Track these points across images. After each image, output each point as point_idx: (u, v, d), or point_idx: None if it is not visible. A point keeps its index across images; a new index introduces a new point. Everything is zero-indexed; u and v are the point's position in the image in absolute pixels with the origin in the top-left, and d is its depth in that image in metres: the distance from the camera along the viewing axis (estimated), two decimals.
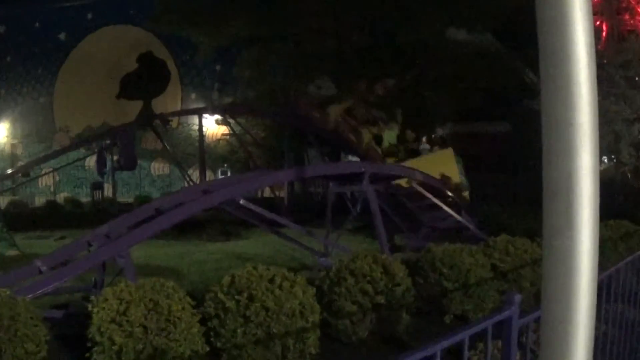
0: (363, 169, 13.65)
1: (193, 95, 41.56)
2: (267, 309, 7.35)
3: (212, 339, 7.49)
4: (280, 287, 7.60)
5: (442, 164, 18.80)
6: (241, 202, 11.66)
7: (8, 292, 7.45)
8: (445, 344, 3.44)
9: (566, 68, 1.37)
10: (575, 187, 1.39)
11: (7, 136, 44.41)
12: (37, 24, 43.63)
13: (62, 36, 43.22)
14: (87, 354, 6.94)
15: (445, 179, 17.84)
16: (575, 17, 1.36)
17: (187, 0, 28.27)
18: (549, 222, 1.43)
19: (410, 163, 17.89)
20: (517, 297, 4.32)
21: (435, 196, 15.63)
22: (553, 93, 1.39)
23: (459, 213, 16.14)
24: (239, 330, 7.33)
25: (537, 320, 4.35)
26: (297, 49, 28.66)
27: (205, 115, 31.45)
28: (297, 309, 7.54)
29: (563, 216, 1.40)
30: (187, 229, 19.66)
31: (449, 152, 19.98)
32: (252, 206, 12.03)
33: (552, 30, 1.37)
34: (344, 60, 27.02)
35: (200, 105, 37.23)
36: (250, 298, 7.42)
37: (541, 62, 1.40)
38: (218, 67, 39.26)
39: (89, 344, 6.96)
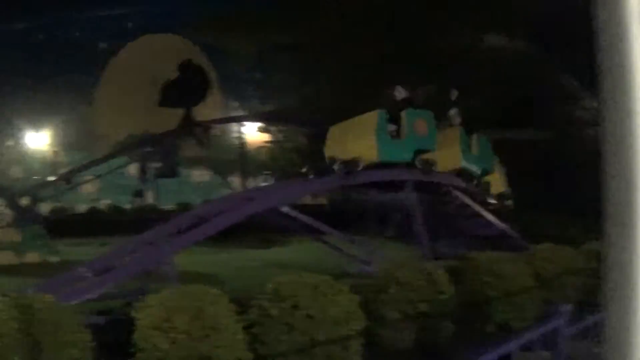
0: (407, 178, 13.53)
1: (234, 103, 41.80)
2: (311, 317, 7.33)
3: (255, 346, 7.47)
4: (324, 295, 7.56)
5: (359, 135, 13.51)
6: (284, 209, 11.66)
7: (52, 299, 7.49)
8: (495, 355, 3.40)
9: (626, 83, 1.37)
10: (635, 198, 1.38)
11: (48, 144, 44.92)
12: (77, 33, 44.14)
13: (102, 45, 43.69)
14: None
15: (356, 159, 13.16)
16: (633, 30, 1.36)
17: (227, 9, 28.49)
18: (608, 232, 1.44)
19: (337, 127, 15.05)
20: (565, 308, 4.27)
21: (476, 203, 15.45)
22: (613, 106, 1.41)
23: (501, 220, 15.95)
24: (282, 338, 7.31)
25: (584, 330, 4.30)
26: (334, 55, 28.61)
27: (247, 123, 31.63)
28: (341, 316, 7.50)
29: (622, 226, 1.40)
30: (226, 235, 19.69)
31: (369, 117, 13.79)
32: (295, 213, 12.01)
33: (611, 47, 1.39)
34: (375, 67, 26.86)
35: (241, 112, 37.40)
36: (295, 306, 7.40)
37: (601, 80, 1.42)
38: (258, 75, 39.44)
39: (132, 350, 6.97)
